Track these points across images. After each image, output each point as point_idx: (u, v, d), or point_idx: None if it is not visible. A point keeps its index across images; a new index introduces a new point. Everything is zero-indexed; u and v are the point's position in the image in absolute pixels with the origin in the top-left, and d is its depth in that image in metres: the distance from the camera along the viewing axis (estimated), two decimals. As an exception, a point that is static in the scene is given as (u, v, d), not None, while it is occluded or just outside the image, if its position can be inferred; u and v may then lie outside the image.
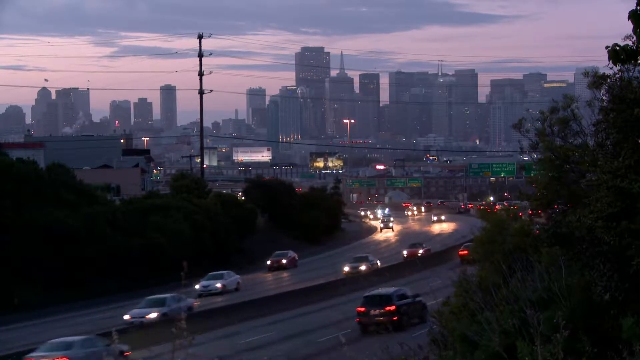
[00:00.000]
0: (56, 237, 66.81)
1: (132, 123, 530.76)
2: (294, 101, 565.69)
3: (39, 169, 76.63)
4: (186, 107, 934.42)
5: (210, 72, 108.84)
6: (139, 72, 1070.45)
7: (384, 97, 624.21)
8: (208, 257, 77.86)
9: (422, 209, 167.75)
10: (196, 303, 54.33)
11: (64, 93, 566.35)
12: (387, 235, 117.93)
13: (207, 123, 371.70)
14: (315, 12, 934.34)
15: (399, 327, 39.49)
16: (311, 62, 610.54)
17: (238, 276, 67.70)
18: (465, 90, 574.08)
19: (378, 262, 72.48)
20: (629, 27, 10.70)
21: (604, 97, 16.53)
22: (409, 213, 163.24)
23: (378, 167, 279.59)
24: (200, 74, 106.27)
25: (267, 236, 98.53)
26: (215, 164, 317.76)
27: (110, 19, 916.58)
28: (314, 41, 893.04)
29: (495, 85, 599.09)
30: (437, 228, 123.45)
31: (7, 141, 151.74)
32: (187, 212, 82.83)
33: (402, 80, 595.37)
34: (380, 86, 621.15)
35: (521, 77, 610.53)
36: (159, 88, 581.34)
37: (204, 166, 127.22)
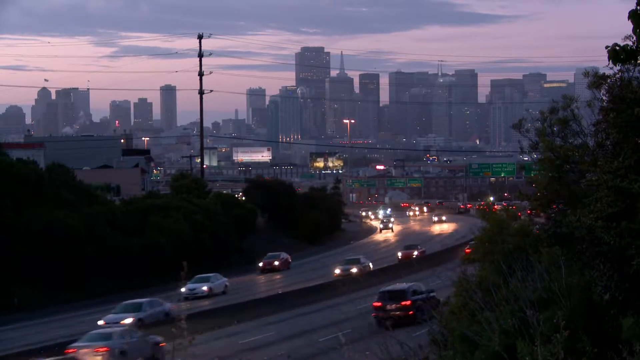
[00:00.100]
0: (56, 237, 66.80)
1: (132, 123, 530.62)
2: (294, 101, 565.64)
3: (39, 169, 76.61)
4: (186, 107, 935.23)
5: (210, 72, 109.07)
6: (139, 72, 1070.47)
7: (384, 97, 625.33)
8: (208, 257, 77.83)
9: (425, 209, 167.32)
10: (174, 307, 51.48)
11: (64, 93, 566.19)
12: (386, 235, 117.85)
13: (207, 123, 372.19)
14: (315, 12, 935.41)
15: (414, 322, 39.53)
16: (311, 62, 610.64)
17: (225, 279, 66.03)
18: (465, 90, 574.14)
19: (370, 264, 71.13)
20: (629, 27, 10.70)
21: (604, 97, 16.52)
22: (411, 213, 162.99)
23: (378, 167, 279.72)
24: (200, 74, 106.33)
25: (267, 236, 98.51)
26: (215, 164, 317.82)
27: (110, 19, 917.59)
28: (314, 41, 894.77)
29: (495, 85, 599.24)
30: (437, 228, 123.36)
31: (7, 141, 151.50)
32: (187, 212, 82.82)
33: (402, 80, 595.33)
34: (380, 86, 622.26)
35: (521, 77, 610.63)
36: (159, 88, 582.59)
37: (204, 166, 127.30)
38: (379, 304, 43.97)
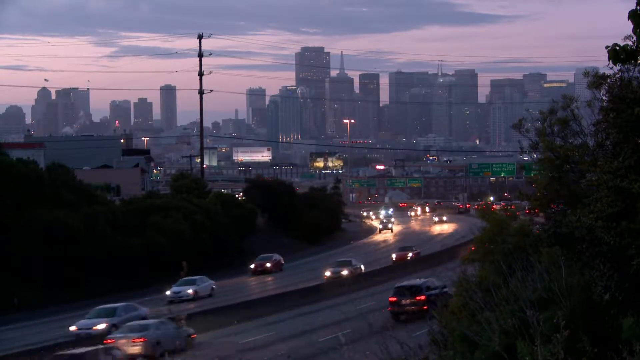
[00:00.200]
0: (56, 237, 66.77)
1: (132, 123, 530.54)
2: (294, 101, 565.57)
3: (39, 169, 76.59)
4: (186, 107, 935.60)
5: (210, 72, 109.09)
6: (139, 72, 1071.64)
7: (384, 97, 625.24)
8: (208, 257, 77.83)
9: (427, 209, 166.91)
10: (149, 311, 50.08)
11: (64, 93, 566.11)
12: (386, 236, 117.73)
13: (207, 123, 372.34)
14: (315, 12, 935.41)
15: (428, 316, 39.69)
16: (311, 62, 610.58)
17: (212, 282, 64.59)
18: (465, 90, 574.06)
19: (362, 266, 70.03)
20: (629, 27, 10.70)
21: (604, 97, 16.52)
22: (412, 213, 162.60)
23: (378, 167, 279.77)
24: (200, 74, 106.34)
25: (267, 236, 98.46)
26: (215, 164, 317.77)
27: (110, 19, 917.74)
28: (314, 41, 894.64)
29: (495, 85, 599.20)
30: (437, 229, 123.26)
31: (7, 141, 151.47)
32: (187, 212, 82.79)
33: (402, 80, 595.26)
34: (380, 86, 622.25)
35: (521, 77, 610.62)
36: (159, 88, 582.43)
37: (204, 166, 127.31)
38: (394, 299, 45.83)
